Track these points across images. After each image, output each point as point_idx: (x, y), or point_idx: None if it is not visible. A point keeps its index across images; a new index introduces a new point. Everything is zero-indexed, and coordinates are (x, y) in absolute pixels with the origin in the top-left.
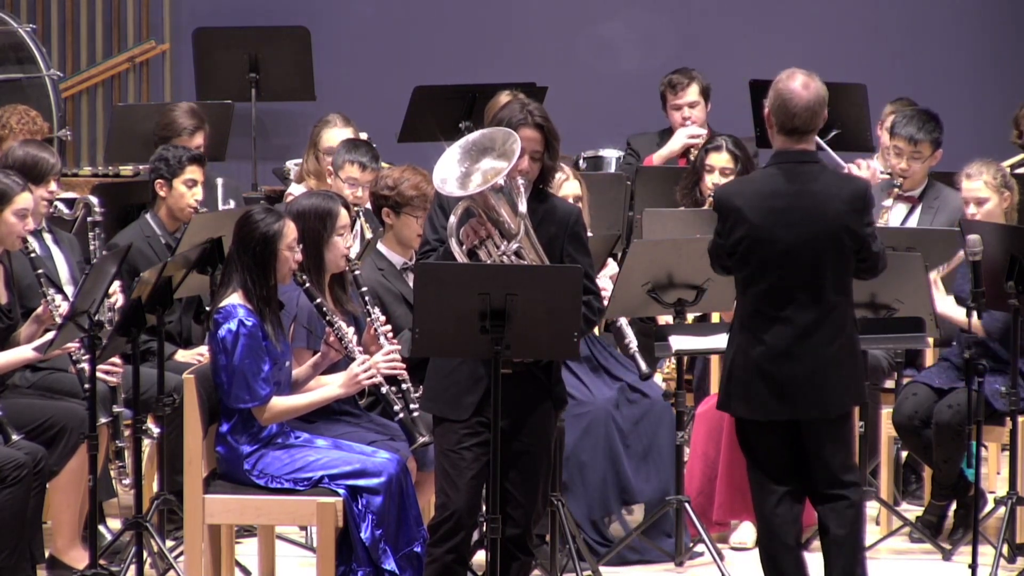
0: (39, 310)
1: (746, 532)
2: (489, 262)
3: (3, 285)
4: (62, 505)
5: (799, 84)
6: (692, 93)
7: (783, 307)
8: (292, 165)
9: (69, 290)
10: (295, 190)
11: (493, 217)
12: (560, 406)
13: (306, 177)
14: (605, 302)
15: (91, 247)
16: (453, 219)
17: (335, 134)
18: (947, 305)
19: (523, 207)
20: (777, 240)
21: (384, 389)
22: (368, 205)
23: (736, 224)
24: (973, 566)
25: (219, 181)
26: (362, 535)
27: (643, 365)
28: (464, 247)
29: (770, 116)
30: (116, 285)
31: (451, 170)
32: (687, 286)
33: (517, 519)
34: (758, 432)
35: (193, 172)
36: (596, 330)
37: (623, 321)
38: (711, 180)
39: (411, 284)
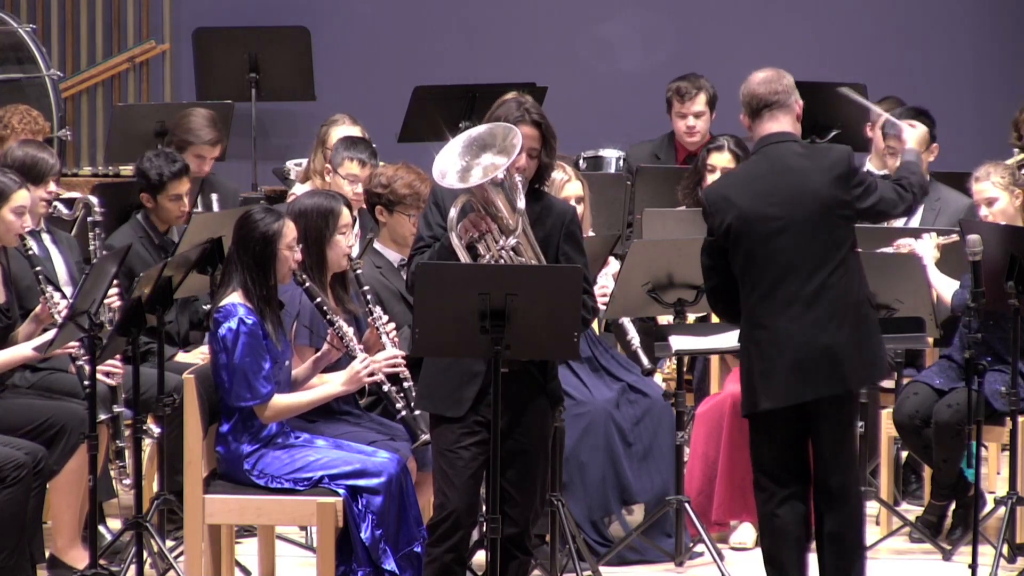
0: (37, 309)
1: (746, 532)
2: (488, 256)
3: (1, 284)
4: (62, 505)
5: (753, 73)
6: (699, 103)
7: (783, 286)
8: (292, 165)
9: (67, 291)
10: (299, 190)
11: (491, 212)
12: (556, 403)
13: (312, 176)
14: (606, 299)
15: (91, 247)
16: (453, 211)
17: (344, 132)
18: (936, 275)
19: (521, 203)
20: (767, 220)
21: (386, 387)
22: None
23: (726, 212)
24: (973, 566)
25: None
26: (362, 535)
27: (645, 361)
28: (463, 241)
29: (745, 118)
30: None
31: (451, 163)
32: (687, 286)
33: (515, 518)
34: (772, 427)
35: (176, 187)
36: (597, 330)
37: (625, 317)
38: (712, 180)
39: None
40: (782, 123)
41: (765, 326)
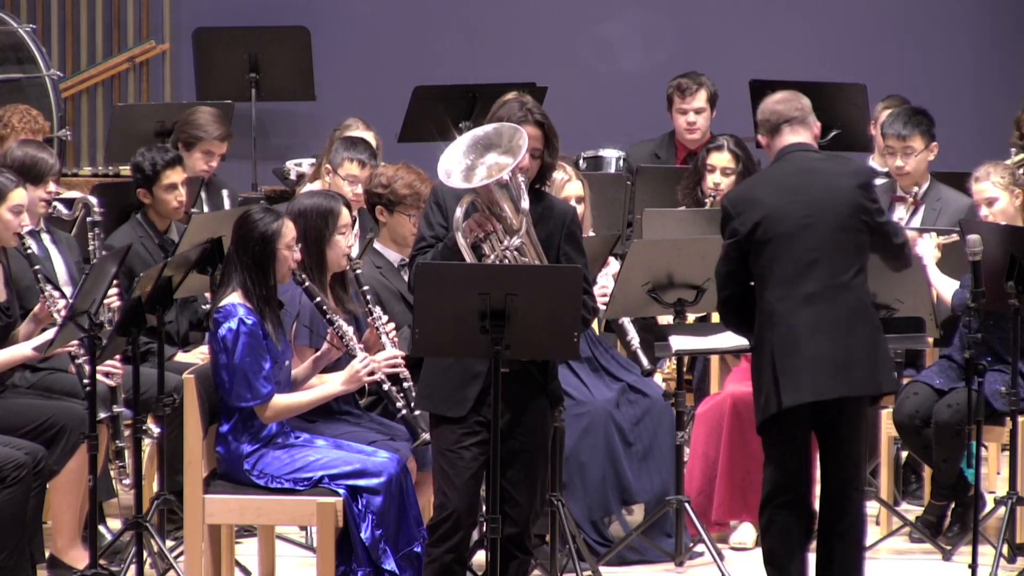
0: (37, 308)
1: (746, 532)
2: (492, 256)
3: (2, 283)
4: (62, 505)
5: (769, 96)
6: (700, 99)
7: (805, 282)
8: (292, 165)
9: (67, 291)
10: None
11: (496, 212)
12: (556, 403)
13: (323, 176)
14: (606, 299)
15: (91, 247)
16: (459, 211)
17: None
18: (936, 275)
19: (526, 204)
20: (794, 216)
21: (386, 386)
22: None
23: (752, 211)
24: (973, 566)
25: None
26: (362, 535)
27: (645, 362)
28: (468, 240)
29: (763, 138)
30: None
31: (456, 163)
32: (687, 286)
33: (515, 518)
34: (791, 429)
35: (170, 176)
36: (597, 330)
37: (625, 318)
38: (712, 180)
39: None
40: (801, 136)
41: (785, 323)
